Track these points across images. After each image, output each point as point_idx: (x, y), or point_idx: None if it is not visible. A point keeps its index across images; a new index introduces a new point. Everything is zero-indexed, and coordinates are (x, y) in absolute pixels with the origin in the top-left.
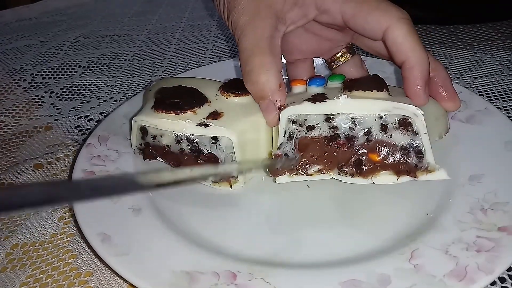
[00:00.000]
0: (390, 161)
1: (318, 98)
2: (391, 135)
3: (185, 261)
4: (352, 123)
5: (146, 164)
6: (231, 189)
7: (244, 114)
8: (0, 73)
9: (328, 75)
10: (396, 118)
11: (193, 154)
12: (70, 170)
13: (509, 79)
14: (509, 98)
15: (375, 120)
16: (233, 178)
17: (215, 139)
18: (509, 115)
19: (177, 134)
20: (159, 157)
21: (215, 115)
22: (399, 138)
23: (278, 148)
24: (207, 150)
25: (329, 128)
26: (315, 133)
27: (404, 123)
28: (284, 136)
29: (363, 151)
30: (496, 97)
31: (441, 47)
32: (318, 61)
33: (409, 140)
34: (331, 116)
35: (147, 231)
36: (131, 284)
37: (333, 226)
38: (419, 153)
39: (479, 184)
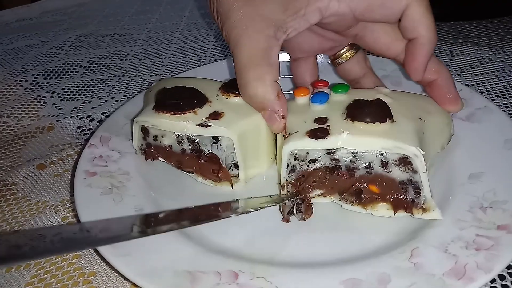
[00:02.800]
0: (388, 194)
1: (319, 135)
2: (390, 171)
3: (187, 260)
4: (354, 157)
5: (148, 164)
6: (232, 188)
7: (245, 114)
8: (1, 74)
9: (331, 85)
10: (396, 156)
11: (194, 154)
12: (73, 170)
13: (510, 76)
14: (510, 95)
15: (376, 156)
16: (234, 178)
17: (216, 139)
18: (510, 112)
19: (178, 134)
20: (161, 158)
21: (215, 115)
22: (399, 174)
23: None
24: (208, 150)
25: (331, 160)
26: (317, 165)
27: (404, 162)
28: (286, 169)
29: (363, 181)
30: (496, 94)
31: (441, 44)
32: (320, 60)
33: (408, 176)
34: (333, 150)
35: None
36: (134, 284)
37: (334, 225)
38: (417, 188)
39: (479, 182)
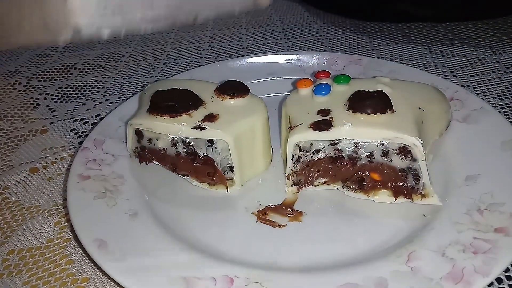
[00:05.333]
0: (389, 181)
1: (323, 127)
2: (391, 159)
3: (182, 266)
4: (356, 147)
5: (142, 167)
6: (227, 191)
7: (240, 116)
8: None
9: (334, 76)
10: (396, 145)
11: (189, 157)
12: (66, 174)
13: (505, 77)
14: (506, 97)
15: (377, 146)
16: (229, 181)
17: (211, 142)
18: (506, 113)
19: (172, 137)
20: (155, 160)
21: (210, 117)
22: (399, 162)
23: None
24: (203, 153)
25: (334, 150)
26: (321, 155)
27: (404, 151)
28: (292, 160)
29: (365, 170)
30: (492, 96)
31: (437, 45)
32: (322, 60)
33: (408, 164)
34: (336, 141)
35: (144, 236)
36: None
37: (331, 229)
38: (416, 176)
39: (476, 184)
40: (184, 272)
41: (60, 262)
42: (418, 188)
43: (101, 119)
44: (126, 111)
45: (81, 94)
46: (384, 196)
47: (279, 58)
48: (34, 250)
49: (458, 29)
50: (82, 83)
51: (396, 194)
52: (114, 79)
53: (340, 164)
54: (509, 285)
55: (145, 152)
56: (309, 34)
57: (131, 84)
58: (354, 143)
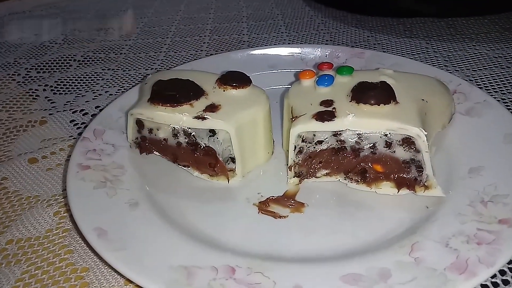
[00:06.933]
0: (392, 172)
1: (326, 117)
2: (394, 150)
3: (183, 255)
4: (359, 138)
5: (142, 158)
6: (228, 183)
7: (242, 106)
8: None
9: (337, 67)
10: (400, 137)
11: (190, 148)
12: (65, 164)
13: (508, 71)
14: (508, 91)
15: (380, 137)
16: (230, 172)
17: (212, 132)
18: (508, 107)
19: (173, 127)
20: (156, 151)
21: (212, 108)
22: (402, 153)
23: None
24: (205, 144)
25: (337, 141)
26: (323, 146)
27: (408, 142)
28: (294, 151)
29: (368, 161)
30: (495, 90)
31: (439, 40)
32: (324, 53)
33: (411, 156)
34: (339, 132)
35: (144, 226)
36: (128, 279)
37: (333, 220)
38: (419, 167)
39: (479, 176)
40: (184, 261)
41: (59, 252)
42: (421, 180)
43: (100, 110)
44: (126, 102)
45: (80, 85)
46: (386, 188)
47: (281, 51)
48: (33, 240)
49: (460, 24)
50: (81, 75)
51: (399, 186)
52: (114, 71)
53: (343, 156)
54: None
55: (146, 142)
56: (310, 28)
57: (131, 76)
58: (357, 134)
